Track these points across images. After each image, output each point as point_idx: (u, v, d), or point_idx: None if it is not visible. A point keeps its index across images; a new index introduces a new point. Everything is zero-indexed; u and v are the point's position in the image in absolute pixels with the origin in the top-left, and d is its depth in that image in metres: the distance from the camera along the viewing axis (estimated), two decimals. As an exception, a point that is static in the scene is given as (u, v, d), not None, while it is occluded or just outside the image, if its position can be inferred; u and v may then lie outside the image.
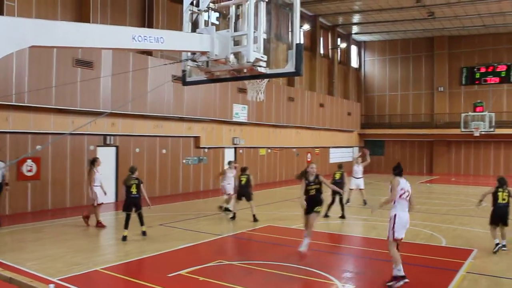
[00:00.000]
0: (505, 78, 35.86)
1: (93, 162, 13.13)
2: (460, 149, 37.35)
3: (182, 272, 8.37)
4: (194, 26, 6.59)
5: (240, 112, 23.74)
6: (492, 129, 32.41)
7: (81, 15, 17.99)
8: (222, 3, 6.54)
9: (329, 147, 35.07)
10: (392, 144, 39.87)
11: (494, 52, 36.46)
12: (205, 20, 6.51)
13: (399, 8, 30.32)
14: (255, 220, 13.85)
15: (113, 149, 18.38)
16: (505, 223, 10.32)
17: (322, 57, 35.26)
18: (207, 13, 6.54)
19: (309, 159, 32.20)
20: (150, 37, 5.38)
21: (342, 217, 14.71)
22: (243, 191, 14.15)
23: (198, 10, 6.53)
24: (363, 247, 11.21)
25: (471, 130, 32.64)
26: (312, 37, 33.56)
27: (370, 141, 40.33)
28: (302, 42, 6.38)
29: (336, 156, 35.68)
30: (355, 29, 38.13)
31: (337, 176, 15.60)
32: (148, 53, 18.77)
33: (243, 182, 14.18)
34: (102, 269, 8.61)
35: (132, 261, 9.41)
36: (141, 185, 11.65)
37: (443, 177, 33.90)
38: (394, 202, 7.80)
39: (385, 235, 8.02)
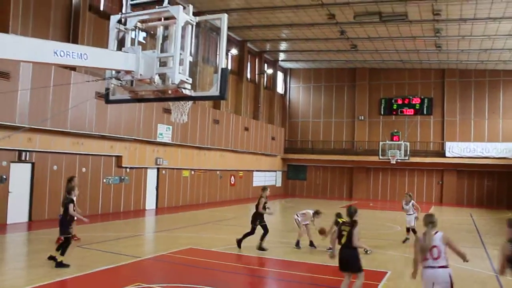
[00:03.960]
0: (419, 110, 38.24)
1: (70, 180, 12.45)
2: (378, 175, 39.07)
3: (97, 296, 8.07)
4: (121, 44, 6.49)
5: (164, 133, 23.47)
6: (407, 157, 34.24)
7: None
8: (150, 23, 6.50)
9: (253, 171, 35.42)
10: (314, 169, 40.97)
11: (410, 86, 38.87)
12: (131, 39, 6.43)
13: (324, 39, 31.56)
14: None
15: (29, 165, 17.47)
16: None
17: (248, 81, 35.82)
18: (134, 32, 6.47)
19: (232, 182, 32.31)
20: (73, 52, 5.23)
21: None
22: None
23: (125, 28, 6.45)
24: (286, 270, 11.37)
25: (388, 158, 34.23)
26: (239, 61, 34.05)
27: (292, 166, 41.23)
28: (228, 66, 6.44)
29: (260, 179, 36.12)
30: (281, 56, 39.18)
31: None
32: (72, 68, 18.14)
33: None
34: (9, 293, 8.10)
35: (45, 285, 8.87)
36: (69, 205, 10.89)
37: (361, 202, 35.14)
38: None
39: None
